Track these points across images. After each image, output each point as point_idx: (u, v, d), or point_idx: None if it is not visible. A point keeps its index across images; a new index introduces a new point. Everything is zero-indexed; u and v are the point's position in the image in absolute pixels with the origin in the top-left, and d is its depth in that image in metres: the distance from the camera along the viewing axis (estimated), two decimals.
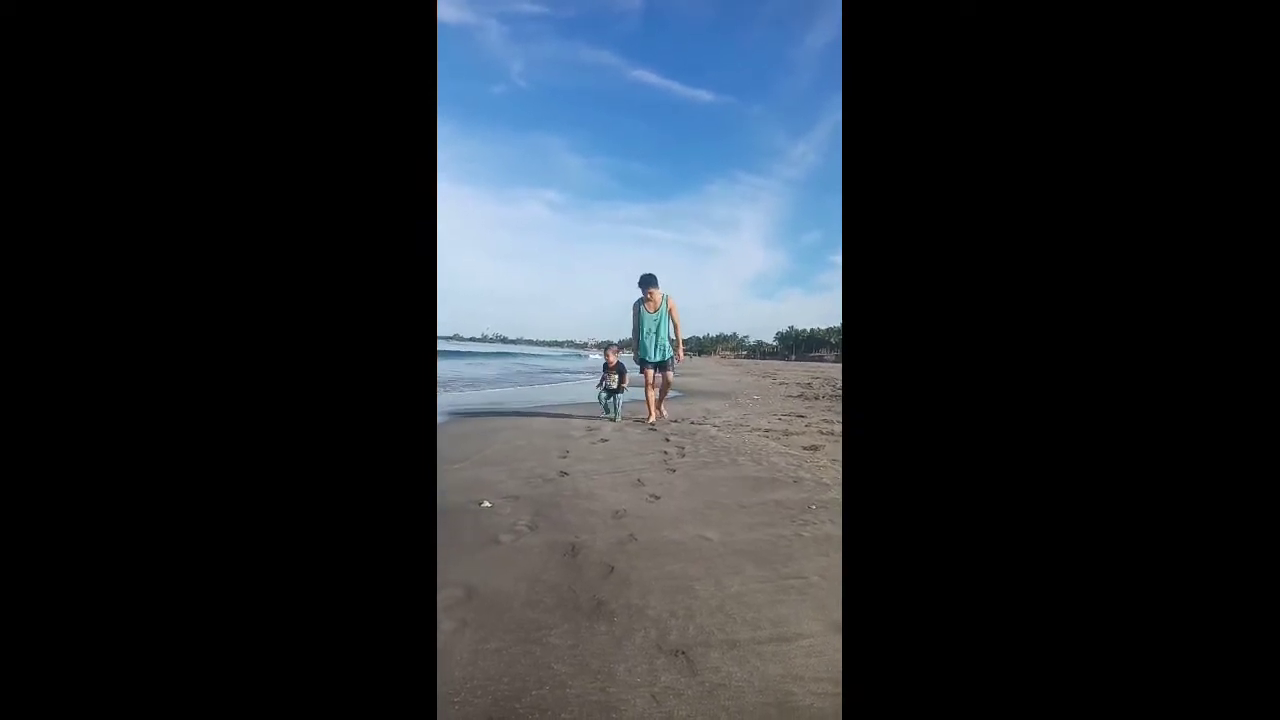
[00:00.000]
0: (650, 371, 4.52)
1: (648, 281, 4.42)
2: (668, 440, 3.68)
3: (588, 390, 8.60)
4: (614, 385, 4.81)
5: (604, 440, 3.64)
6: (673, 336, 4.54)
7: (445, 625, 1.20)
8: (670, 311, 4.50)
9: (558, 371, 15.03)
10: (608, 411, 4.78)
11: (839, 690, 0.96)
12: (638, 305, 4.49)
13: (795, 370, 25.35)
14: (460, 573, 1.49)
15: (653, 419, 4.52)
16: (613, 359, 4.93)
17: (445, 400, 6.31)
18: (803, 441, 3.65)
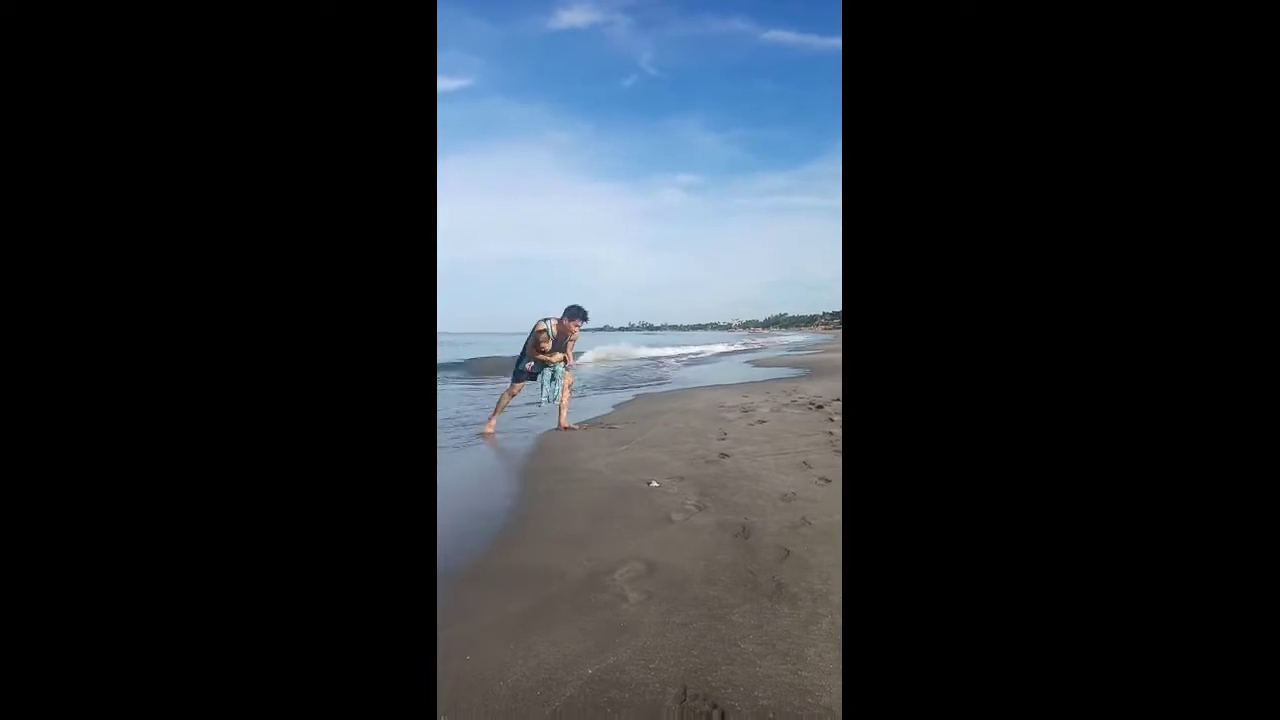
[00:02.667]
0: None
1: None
2: (832, 420, 3.48)
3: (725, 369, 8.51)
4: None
5: (761, 422, 3.57)
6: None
7: (632, 597, 1.29)
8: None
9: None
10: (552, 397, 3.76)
11: None
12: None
13: None
14: (637, 548, 1.58)
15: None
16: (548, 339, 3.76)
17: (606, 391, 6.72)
18: None
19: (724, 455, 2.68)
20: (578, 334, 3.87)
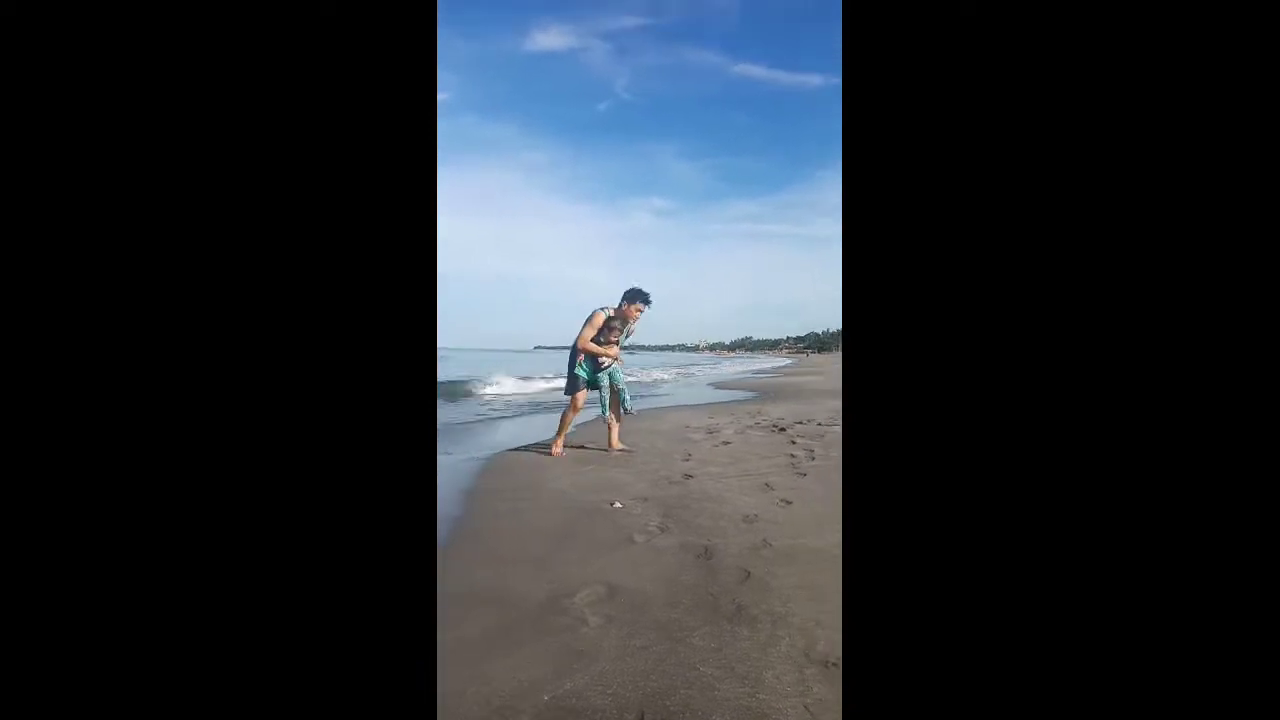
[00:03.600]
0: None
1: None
2: (794, 443, 3.54)
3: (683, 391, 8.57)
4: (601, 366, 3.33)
5: (726, 443, 3.60)
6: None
7: (592, 620, 1.26)
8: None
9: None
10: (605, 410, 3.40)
11: None
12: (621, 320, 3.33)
13: None
14: (599, 570, 1.56)
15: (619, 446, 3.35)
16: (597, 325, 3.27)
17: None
18: None
19: (688, 476, 2.69)
20: (634, 322, 3.33)
